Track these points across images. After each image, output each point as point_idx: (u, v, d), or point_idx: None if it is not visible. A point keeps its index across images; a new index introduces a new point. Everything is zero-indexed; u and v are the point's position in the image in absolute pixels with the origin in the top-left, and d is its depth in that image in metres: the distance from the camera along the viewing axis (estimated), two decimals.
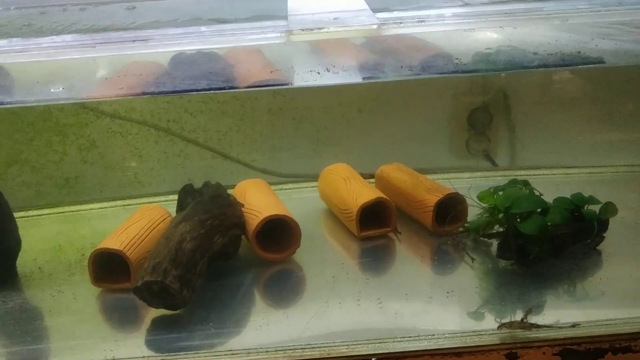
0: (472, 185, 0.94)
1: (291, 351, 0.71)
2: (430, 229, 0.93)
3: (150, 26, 0.76)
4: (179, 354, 0.71)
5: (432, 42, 0.72)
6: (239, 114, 1.07)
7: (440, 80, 1.15)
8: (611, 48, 0.59)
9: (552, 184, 0.90)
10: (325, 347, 0.71)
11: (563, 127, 1.12)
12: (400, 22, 0.57)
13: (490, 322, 0.74)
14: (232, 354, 0.71)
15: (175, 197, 1.06)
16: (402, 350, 0.71)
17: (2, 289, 0.85)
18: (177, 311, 0.78)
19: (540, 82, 1.12)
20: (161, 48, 0.63)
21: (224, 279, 0.86)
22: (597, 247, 0.86)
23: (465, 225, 0.91)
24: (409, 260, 0.90)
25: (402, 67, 0.70)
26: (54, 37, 0.74)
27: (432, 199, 0.91)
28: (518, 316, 0.73)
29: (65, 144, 1.04)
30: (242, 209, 0.90)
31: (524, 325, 0.72)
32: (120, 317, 0.80)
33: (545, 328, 0.72)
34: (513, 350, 0.71)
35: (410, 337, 0.72)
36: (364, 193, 0.93)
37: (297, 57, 0.71)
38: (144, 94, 0.74)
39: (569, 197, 0.84)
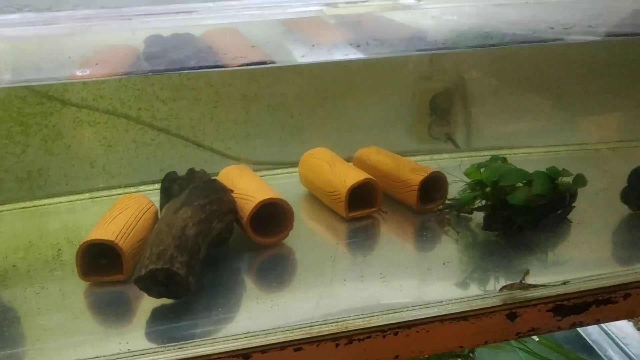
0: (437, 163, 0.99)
1: (309, 328, 0.72)
2: (413, 208, 0.96)
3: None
4: (195, 341, 0.69)
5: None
6: (212, 101, 1.05)
7: (403, 66, 1.19)
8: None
9: (514, 163, 0.96)
10: (342, 321, 0.72)
11: (518, 108, 1.20)
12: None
13: (489, 286, 0.79)
14: (251, 335, 0.71)
15: (147, 188, 1.03)
16: (414, 318, 0.74)
17: None
18: (177, 300, 0.76)
19: (496, 66, 1.19)
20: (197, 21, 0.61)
21: (220, 265, 0.84)
22: (568, 217, 0.94)
23: (447, 202, 0.96)
24: (399, 238, 0.93)
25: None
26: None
27: (417, 178, 0.95)
28: (515, 279, 0.79)
29: (27, 134, 0.96)
30: (233, 194, 0.89)
31: (522, 286, 0.77)
32: (116, 310, 0.76)
33: (540, 287, 0.78)
34: (513, 310, 0.76)
35: (420, 305, 0.75)
36: (351, 174, 0.95)
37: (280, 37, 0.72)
38: (125, 74, 0.71)
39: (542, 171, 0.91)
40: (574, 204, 0.94)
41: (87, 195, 1.01)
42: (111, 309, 0.76)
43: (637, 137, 1.15)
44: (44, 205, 0.99)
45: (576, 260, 0.86)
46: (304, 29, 0.78)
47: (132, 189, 1.02)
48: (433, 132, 1.23)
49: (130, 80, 0.99)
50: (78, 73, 0.69)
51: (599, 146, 1.15)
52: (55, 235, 0.91)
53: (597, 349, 1.05)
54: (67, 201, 1.00)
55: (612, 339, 1.07)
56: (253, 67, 0.79)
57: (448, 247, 0.89)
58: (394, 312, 0.74)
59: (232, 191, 0.89)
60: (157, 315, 0.74)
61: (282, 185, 1.08)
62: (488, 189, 0.88)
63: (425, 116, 1.22)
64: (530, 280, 0.79)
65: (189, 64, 0.71)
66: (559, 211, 0.92)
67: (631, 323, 1.15)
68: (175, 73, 0.96)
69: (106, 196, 1.01)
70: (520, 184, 0.86)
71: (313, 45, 0.75)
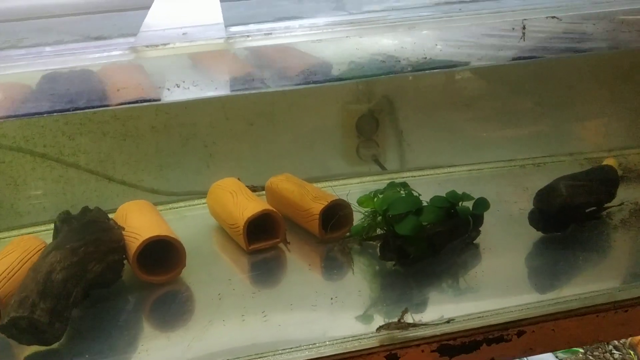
0: (349, 191, 0.96)
1: None
2: (318, 237, 0.93)
3: None
4: None
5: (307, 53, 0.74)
6: (120, 134, 1.04)
7: (327, 91, 1.16)
8: (455, 52, 0.62)
9: (435, 183, 0.93)
10: None
11: (444, 128, 1.16)
12: (248, 36, 0.58)
13: (370, 325, 0.75)
14: None
15: None
16: None
17: None
18: (51, 346, 0.74)
19: (420, 86, 1.16)
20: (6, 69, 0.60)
21: (106, 306, 0.82)
22: (475, 241, 0.90)
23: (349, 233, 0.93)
24: (298, 270, 0.90)
25: (283, 77, 0.70)
26: None
27: (318, 207, 0.92)
28: (396, 317, 0.75)
29: None
30: (123, 232, 0.87)
31: (400, 325, 0.74)
32: None
33: (421, 326, 0.74)
34: (393, 351, 0.73)
35: (291, 348, 0.72)
36: (250, 206, 0.92)
37: (174, 71, 0.70)
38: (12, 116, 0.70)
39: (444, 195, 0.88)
40: (480, 228, 0.90)
41: None
42: None
43: (563, 152, 1.10)
44: None
45: (474, 289, 0.82)
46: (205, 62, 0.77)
47: (42, 228, 1.01)
48: (361, 154, 1.20)
49: (32, 118, 0.99)
50: None
51: (525, 162, 1.11)
52: None
53: None
54: None
55: None
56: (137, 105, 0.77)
57: (343, 280, 0.86)
58: (260, 357, 0.71)
59: (123, 229, 0.88)
60: None
61: (197, 216, 1.06)
62: (379, 218, 0.84)
63: (354, 138, 1.20)
64: (420, 315, 0.76)
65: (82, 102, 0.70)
66: (465, 236, 0.89)
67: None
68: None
69: (16, 235, 1.00)
70: (412, 212, 0.83)
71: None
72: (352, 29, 0.60)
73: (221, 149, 1.11)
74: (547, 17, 0.57)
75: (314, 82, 0.62)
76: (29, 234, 0.98)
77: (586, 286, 0.79)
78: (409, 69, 0.63)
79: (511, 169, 1.11)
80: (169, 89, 0.59)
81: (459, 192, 0.90)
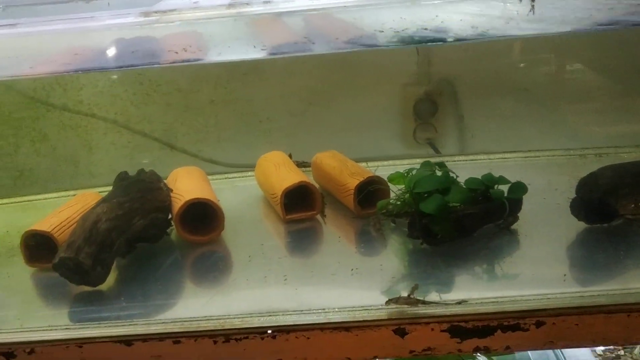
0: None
1: (188, 323, 0.75)
2: (354, 212, 0.94)
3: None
4: (84, 324, 0.76)
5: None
6: (183, 106, 1.11)
7: (386, 71, 1.16)
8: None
9: (486, 169, 0.89)
10: (220, 319, 0.74)
11: (502, 114, 1.12)
12: (247, 4, 0.60)
13: (382, 299, 0.75)
14: (133, 324, 0.75)
15: None
16: (294, 323, 0.73)
17: None
18: (97, 287, 0.83)
19: (480, 70, 1.12)
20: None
21: (148, 259, 0.90)
22: (511, 228, 0.86)
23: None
24: (328, 241, 0.92)
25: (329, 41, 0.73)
26: None
27: (353, 182, 0.93)
28: (429, 290, 0.75)
29: (18, 136, 1.10)
30: (171, 193, 0.94)
31: (409, 300, 0.73)
32: (46, 293, 0.86)
33: (431, 304, 0.73)
34: (401, 326, 0.72)
35: (301, 310, 0.74)
36: (289, 178, 0.96)
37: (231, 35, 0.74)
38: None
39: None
40: (517, 214, 0.86)
41: (71, 192, 1.12)
42: (40, 292, 0.86)
43: (629, 143, 1.01)
44: (33, 200, 1.12)
45: (502, 275, 0.79)
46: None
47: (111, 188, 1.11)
48: (417, 137, 1.19)
49: (105, 87, 1.09)
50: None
51: (587, 152, 1.03)
52: (29, 227, 1.03)
53: None
54: (54, 197, 1.12)
55: None
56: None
57: (369, 254, 0.86)
58: (271, 316, 0.74)
59: (171, 190, 0.95)
60: (76, 300, 0.82)
61: (246, 186, 1.11)
62: (407, 196, 0.84)
63: (411, 121, 1.19)
64: (436, 295, 0.75)
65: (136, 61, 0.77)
66: (499, 221, 0.85)
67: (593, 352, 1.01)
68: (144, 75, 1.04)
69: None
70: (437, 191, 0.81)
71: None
72: None
73: (275, 125, 1.15)
74: None
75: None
76: (100, 192, 1.09)
77: (620, 283, 0.73)
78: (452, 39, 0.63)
79: (570, 158, 1.04)
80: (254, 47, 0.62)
81: (510, 178, 0.87)
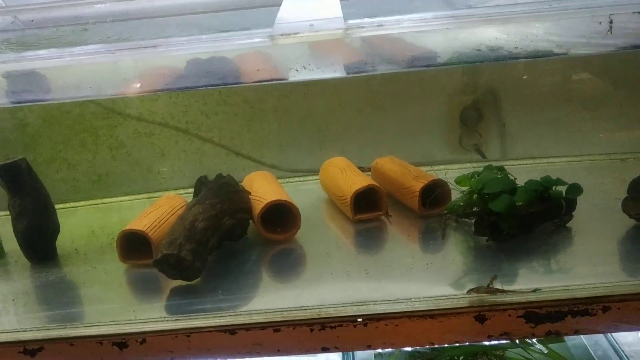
0: (447, 174, 1.04)
1: (287, 312, 0.83)
2: (418, 212, 1.03)
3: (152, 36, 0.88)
4: (191, 315, 0.84)
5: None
6: (249, 115, 1.20)
7: (432, 82, 1.25)
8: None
9: (534, 172, 0.98)
10: (316, 308, 0.83)
11: (545, 121, 1.21)
12: (363, 27, 0.69)
13: (462, 289, 0.84)
14: (237, 314, 0.83)
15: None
16: (384, 311, 0.81)
17: (45, 265, 0.99)
18: (192, 282, 0.91)
19: (522, 80, 1.21)
20: (171, 52, 0.76)
21: (234, 256, 0.98)
22: (567, 225, 0.95)
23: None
24: (397, 239, 1.00)
25: (390, 62, 0.81)
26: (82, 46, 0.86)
27: (419, 185, 1.02)
28: (486, 283, 0.83)
29: (97, 144, 1.18)
30: (250, 196, 1.02)
31: (489, 290, 0.82)
32: (143, 287, 0.93)
33: (509, 293, 0.82)
34: (481, 313, 0.81)
35: (390, 300, 0.83)
36: (357, 181, 1.04)
37: (299, 56, 0.82)
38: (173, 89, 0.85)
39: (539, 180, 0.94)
40: (572, 213, 0.95)
41: (144, 195, 1.21)
42: (138, 286, 0.93)
43: None
44: (109, 203, 1.20)
45: (563, 268, 0.88)
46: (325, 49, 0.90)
47: (181, 191, 1.19)
48: (463, 143, 1.28)
49: (178, 98, 1.17)
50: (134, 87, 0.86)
51: (627, 156, 1.13)
52: (113, 227, 1.11)
53: None
54: (128, 200, 1.21)
55: (620, 356, 1.04)
56: (272, 82, 0.90)
57: (439, 250, 0.95)
58: (363, 305, 0.82)
59: (249, 193, 1.03)
60: (172, 293, 0.89)
61: (309, 190, 1.20)
62: (475, 196, 0.92)
63: (456, 128, 1.28)
64: (508, 285, 0.83)
65: (218, 81, 0.85)
66: (557, 219, 0.94)
67: None
68: (212, 89, 1.12)
69: (160, 196, 1.20)
70: (506, 191, 0.90)
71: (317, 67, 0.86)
72: (454, 21, 0.70)
73: (332, 133, 1.24)
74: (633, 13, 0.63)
75: (419, 67, 0.72)
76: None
77: None
78: (504, 58, 0.71)
79: (611, 161, 1.14)
80: (297, 70, 0.72)
81: None
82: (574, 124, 1.20)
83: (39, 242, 0.99)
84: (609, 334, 1.08)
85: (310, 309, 0.83)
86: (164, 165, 1.21)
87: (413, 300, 0.82)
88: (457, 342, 0.84)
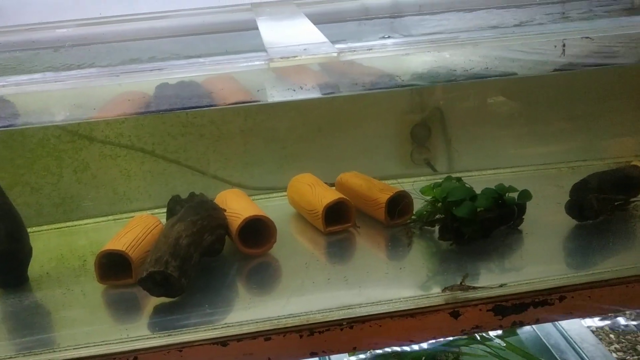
0: (413, 185, 1.13)
1: (276, 321, 0.87)
2: (384, 222, 1.10)
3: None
4: (182, 330, 0.86)
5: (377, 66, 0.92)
6: (215, 136, 1.23)
7: (385, 102, 1.34)
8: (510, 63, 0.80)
9: (482, 182, 1.09)
10: (305, 315, 0.87)
11: (488, 137, 1.33)
12: (354, 50, 0.76)
13: (436, 288, 0.92)
14: (227, 326, 0.86)
15: (160, 210, 1.21)
16: (367, 313, 0.87)
17: (16, 291, 0.97)
18: (176, 298, 0.92)
19: (467, 100, 1.33)
20: (162, 75, 0.79)
21: (213, 271, 1.00)
22: (519, 228, 1.06)
23: (412, 216, 1.10)
24: (368, 248, 1.07)
25: (356, 84, 0.88)
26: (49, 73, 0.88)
27: (384, 197, 1.09)
28: (458, 281, 0.92)
29: (61, 167, 1.17)
30: (225, 212, 1.05)
31: (462, 287, 0.90)
32: (125, 306, 0.93)
33: (479, 289, 0.90)
34: (455, 309, 0.88)
35: (372, 302, 0.89)
36: (327, 195, 1.10)
37: (267, 81, 0.87)
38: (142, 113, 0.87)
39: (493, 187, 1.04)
40: (523, 217, 1.06)
41: (110, 217, 1.21)
42: (120, 306, 0.94)
43: (594, 157, 1.27)
44: (75, 226, 1.19)
45: (520, 265, 0.98)
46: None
47: (148, 212, 1.20)
48: (414, 158, 1.37)
49: (145, 120, 1.19)
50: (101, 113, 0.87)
51: (561, 166, 1.27)
52: (82, 249, 1.10)
53: (555, 353, 1.14)
54: (94, 222, 1.20)
55: (570, 343, 1.16)
56: (244, 105, 0.94)
57: (408, 256, 1.02)
58: (348, 309, 0.88)
59: (224, 210, 1.06)
60: (157, 311, 0.91)
61: (276, 206, 1.24)
62: (439, 204, 1.01)
63: (408, 144, 1.37)
64: (474, 283, 0.92)
65: (190, 104, 0.88)
66: (510, 223, 1.05)
67: (588, 328, 1.23)
68: (181, 112, 1.15)
69: (126, 218, 1.20)
70: (467, 199, 0.99)
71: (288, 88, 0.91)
72: (434, 45, 0.78)
73: (296, 151, 1.29)
74: (582, 38, 0.75)
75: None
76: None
77: (616, 262, 0.94)
78: (462, 78, 0.81)
79: (548, 171, 1.27)
80: (294, 90, 0.77)
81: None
82: (512, 139, 1.34)
83: (12, 267, 0.97)
84: (558, 324, 1.20)
85: (298, 316, 0.87)
86: (129, 187, 1.21)
87: (394, 301, 0.89)
88: (434, 337, 0.92)
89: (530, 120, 1.34)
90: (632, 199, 1.08)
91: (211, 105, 0.87)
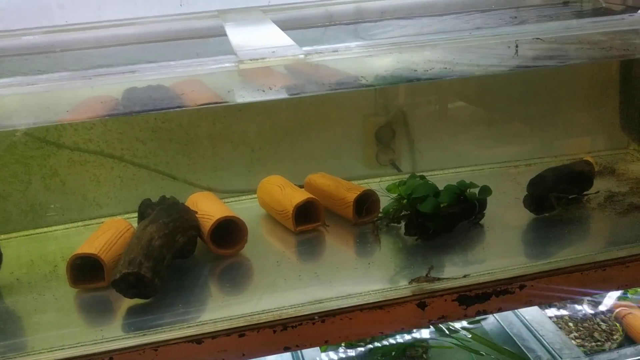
0: (379, 184, 1.17)
1: (250, 317, 0.89)
2: (352, 221, 1.14)
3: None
4: (157, 329, 0.87)
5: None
6: (184, 140, 1.25)
7: (351, 105, 1.38)
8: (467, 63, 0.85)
9: (445, 180, 1.14)
10: (277, 311, 0.90)
11: (449, 136, 1.38)
12: (320, 52, 0.79)
13: (403, 281, 0.95)
14: (202, 323, 0.88)
15: (130, 215, 1.22)
16: (338, 307, 0.90)
17: None
18: (149, 299, 0.93)
19: (429, 102, 1.38)
20: (134, 78, 0.81)
21: (185, 272, 1.02)
22: (480, 222, 1.11)
23: (379, 214, 1.13)
24: (337, 246, 1.10)
25: (322, 84, 0.91)
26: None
27: (352, 196, 1.13)
28: (424, 274, 0.95)
29: (29, 174, 1.16)
30: (196, 214, 1.07)
31: (428, 279, 0.94)
32: (98, 309, 0.94)
33: (444, 280, 0.94)
34: (422, 300, 0.92)
35: (343, 296, 0.92)
36: (297, 195, 1.13)
37: (237, 82, 0.90)
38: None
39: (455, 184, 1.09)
40: (484, 211, 1.11)
41: (80, 223, 1.21)
42: (94, 308, 0.94)
43: (549, 154, 1.34)
44: (44, 232, 1.18)
45: (482, 257, 1.02)
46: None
47: (119, 217, 1.20)
48: (379, 159, 1.42)
49: (113, 125, 1.19)
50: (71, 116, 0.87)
51: (518, 163, 1.33)
52: (53, 255, 1.10)
53: (518, 342, 1.19)
54: (64, 229, 1.19)
55: (532, 332, 1.22)
56: (212, 106, 0.96)
57: (376, 251, 1.06)
58: (319, 303, 0.91)
59: (196, 212, 1.08)
60: (131, 312, 0.92)
61: (246, 208, 1.26)
62: (405, 201, 1.05)
63: (373, 145, 1.41)
64: (439, 274, 0.96)
65: (159, 106, 0.89)
66: (472, 217, 1.10)
67: (549, 318, 1.30)
68: (147, 115, 1.17)
69: (96, 224, 1.20)
70: (431, 195, 1.04)
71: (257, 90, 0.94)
72: (395, 47, 0.82)
73: (264, 154, 1.32)
74: (533, 39, 0.81)
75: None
76: None
77: (572, 252, 1.00)
78: (423, 78, 0.85)
79: (507, 168, 1.33)
80: (263, 91, 0.79)
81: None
82: (472, 139, 1.39)
83: None
84: (520, 314, 1.26)
85: (272, 311, 0.90)
86: (99, 192, 1.21)
87: (364, 294, 0.92)
88: (402, 328, 0.95)
89: (489, 121, 1.40)
90: (585, 193, 1.14)
91: (180, 107, 0.88)
